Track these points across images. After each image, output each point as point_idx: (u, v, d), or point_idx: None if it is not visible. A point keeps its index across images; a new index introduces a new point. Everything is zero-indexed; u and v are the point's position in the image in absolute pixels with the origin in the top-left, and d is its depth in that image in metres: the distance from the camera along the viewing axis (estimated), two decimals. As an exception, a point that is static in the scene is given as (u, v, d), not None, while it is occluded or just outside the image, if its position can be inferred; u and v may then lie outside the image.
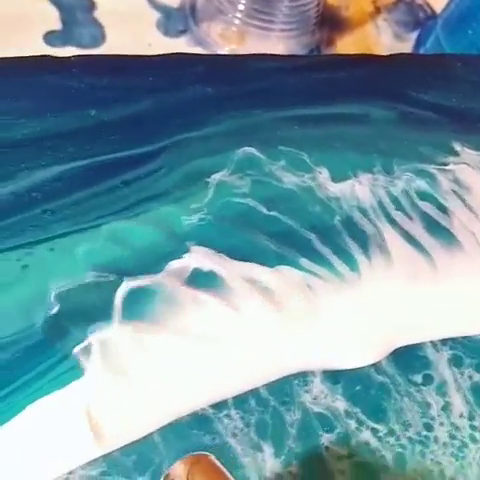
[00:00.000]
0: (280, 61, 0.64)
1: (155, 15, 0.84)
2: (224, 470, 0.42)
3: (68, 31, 0.81)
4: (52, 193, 0.55)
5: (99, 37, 0.82)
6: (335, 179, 0.60)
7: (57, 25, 0.81)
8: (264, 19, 0.83)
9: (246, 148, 0.59)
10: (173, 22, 0.84)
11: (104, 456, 0.48)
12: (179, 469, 0.42)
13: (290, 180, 0.59)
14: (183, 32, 0.83)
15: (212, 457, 0.43)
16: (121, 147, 0.57)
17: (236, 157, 0.59)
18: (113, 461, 0.48)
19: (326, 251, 0.56)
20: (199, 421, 0.50)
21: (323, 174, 0.60)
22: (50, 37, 0.80)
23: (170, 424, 0.50)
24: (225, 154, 0.59)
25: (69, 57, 0.59)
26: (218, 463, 0.42)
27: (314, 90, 0.63)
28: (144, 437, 0.49)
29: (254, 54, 0.65)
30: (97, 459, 0.48)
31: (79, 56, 0.60)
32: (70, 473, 0.47)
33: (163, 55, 0.61)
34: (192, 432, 0.49)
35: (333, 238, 0.57)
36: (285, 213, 0.57)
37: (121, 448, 0.48)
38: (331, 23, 0.87)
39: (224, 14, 0.83)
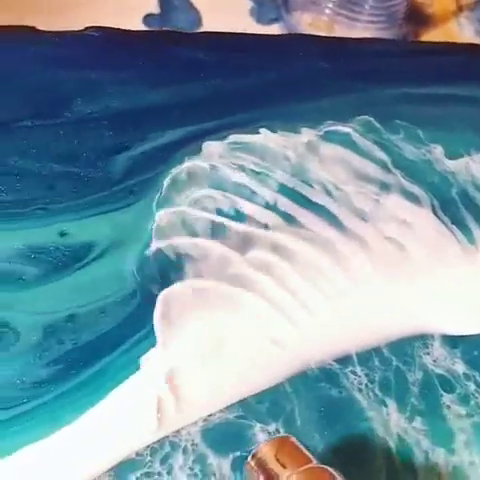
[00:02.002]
0: (388, 45, 0.67)
1: (249, 3, 0.86)
2: (306, 450, 0.44)
3: (165, 15, 0.83)
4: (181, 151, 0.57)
5: (195, 22, 0.84)
6: (449, 156, 0.62)
7: (156, 9, 0.83)
8: (354, 10, 0.85)
9: (365, 116, 0.62)
10: (266, 10, 0.86)
11: (239, 402, 0.49)
12: (266, 449, 0.44)
13: (410, 150, 0.61)
14: (275, 20, 0.86)
15: (294, 439, 0.45)
16: (245, 111, 0.59)
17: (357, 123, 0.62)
18: (248, 407, 0.50)
19: (445, 220, 0.58)
20: (327, 375, 0.52)
21: (437, 150, 0.62)
22: (149, 19, 0.82)
23: (300, 375, 0.51)
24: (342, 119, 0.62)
25: (195, 32, 0.62)
26: (300, 444, 0.44)
27: (425, 71, 0.66)
28: (276, 386, 0.50)
29: (365, 38, 0.68)
30: (233, 404, 0.49)
31: (205, 32, 0.62)
32: (210, 415, 0.48)
33: (283, 34, 0.64)
34: (320, 385, 0.51)
35: (451, 209, 0.59)
36: (407, 177, 0.59)
37: (255, 395, 0.50)
38: (416, 18, 0.90)
39: (316, 4, 0.85)
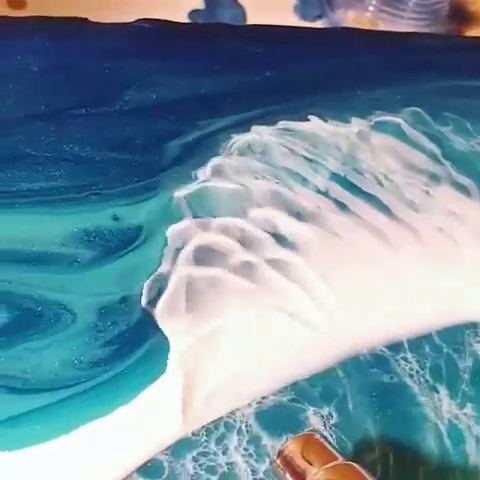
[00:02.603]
0: (437, 39, 0.67)
1: (293, 0, 0.87)
2: (331, 447, 0.44)
3: (211, 11, 0.84)
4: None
5: (240, 19, 0.85)
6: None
7: (201, 5, 0.84)
8: (397, 7, 0.86)
9: (414, 108, 0.62)
10: (309, 7, 0.87)
11: (292, 385, 0.50)
12: (293, 446, 0.44)
13: (459, 142, 0.61)
14: (319, 17, 0.86)
15: (319, 435, 0.45)
16: (293, 99, 0.60)
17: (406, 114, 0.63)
18: (301, 390, 0.50)
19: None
20: (378, 360, 0.52)
21: (486, 142, 0.63)
22: (194, 15, 0.83)
23: (352, 361, 0.51)
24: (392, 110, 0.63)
25: (245, 25, 0.63)
26: (326, 441, 0.44)
27: (474, 65, 0.66)
28: (328, 371, 0.50)
29: (414, 32, 0.69)
30: (286, 387, 0.49)
31: (255, 25, 0.63)
32: (263, 398, 0.49)
33: (333, 28, 0.65)
34: (372, 370, 0.52)
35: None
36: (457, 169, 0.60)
37: (308, 379, 0.50)
38: (459, 16, 0.90)
39: (360, 1, 0.86)
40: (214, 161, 0.59)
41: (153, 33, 0.62)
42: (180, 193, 0.56)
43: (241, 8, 0.85)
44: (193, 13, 0.83)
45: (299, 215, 0.56)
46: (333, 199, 0.58)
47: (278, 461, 0.44)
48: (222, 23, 0.67)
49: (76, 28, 0.61)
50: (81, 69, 0.59)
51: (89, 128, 0.57)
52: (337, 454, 0.43)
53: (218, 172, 0.57)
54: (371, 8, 0.86)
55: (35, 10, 0.67)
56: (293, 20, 0.86)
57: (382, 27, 0.86)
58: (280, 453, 0.44)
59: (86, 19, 0.62)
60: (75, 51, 0.60)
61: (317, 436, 0.45)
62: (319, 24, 0.86)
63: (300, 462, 0.43)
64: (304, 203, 0.56)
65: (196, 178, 0.58)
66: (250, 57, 0.61)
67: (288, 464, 0.43)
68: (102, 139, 0.57)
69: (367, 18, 0.86)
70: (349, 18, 0.88)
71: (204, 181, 0.57)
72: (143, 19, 0.64)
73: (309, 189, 0.58)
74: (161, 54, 0.61)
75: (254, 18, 0.83)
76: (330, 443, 0.44)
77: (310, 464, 0.43)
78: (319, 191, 0.58)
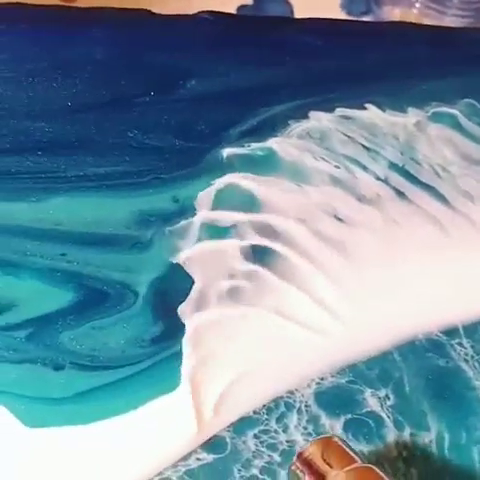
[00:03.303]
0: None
1: (340, -5, 0.88)
2: (350, 449, 0.44)
3: (258, 6, 0.85)
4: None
5: (287, 14, 0.86)
6: None
7: (249, 0, 0.86)
8: (443, 3, 0.87)
9: (469, 100, 0.63)
10: (356, 3, 0.88)
11: (350, 366, 0.51)
12: (313, 449, 0.44)
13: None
14: (365, 13, 0.87)
15: (338, 438, 0.45)
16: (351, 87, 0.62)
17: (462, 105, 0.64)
18: (359, 372, 0.51)
19: None
20: (434, 345, 0.53)
21: None
22: (243, 10, 0.84)
23: (408, 345, 0.52)
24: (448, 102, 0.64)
25: (303, 18, 0.64)
26: (345, 443, 0.44)
27: None
28: (385, 354, 0.52)
29: (472, 27, 0.70)
30: (344, 369, 0.51)
31: (312, 18, 0.65)
32: (322, 379, 0.50)
33: (386, 21, 0.66)
34: (428, 354, 0.53)
35: None
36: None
37: (365, 361, 0.51)
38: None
39: (407, -3, 0.87)
40: (272, 141, 0.59)
41: (215, 25, 0.63)
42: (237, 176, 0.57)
43: (289, 4, 0.86)
44: (241, 8, 0.84)
45: (360, 200, 0.56)
46: (392, 187, 0.58)
47: (298, 463, 0.44)
48: (282, 16, 0.68)
49: (140, 19, 0.62)
50: (144, 58, 0.61)
51: (152, 115, 0.58)
52: (357, 457, 0.43)
53: (276, 151, 0.58)
54: (417, 4, 0.87)
55: (87, 2, 0.69)
56: (340, 16, 0.87)
57: (427, 23, 0.87)
58: (300, 455, 0.44)
59: (149, 11, 0.64)
60: (138, 41, 0.61)
61: (336, 439, 0.45)
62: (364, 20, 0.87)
63: (320, 464, 0.43)
64: (364, 189, 0.57)
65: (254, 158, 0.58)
66: (308, 48, 0.63)
67: (308, 466, 0.44)
68: (164, 126, 0.58)
69: (413, 14, 0.87)
70: (395, 14, 0.89)
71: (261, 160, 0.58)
72: (205, 11, 0.66)
73: (369, 175, 0.58)
74: (222, 45, 0.62)
75: (301, 14, 0.85)
76: (349, 446, 0.44)
77: (330, 467, 0.43)
78: (378, 178, 0.58)
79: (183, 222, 0.55)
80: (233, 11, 0.83)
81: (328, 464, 0.43)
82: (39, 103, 0.57)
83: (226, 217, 0.55)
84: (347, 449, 0.44)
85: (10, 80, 0.57)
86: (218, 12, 0.66)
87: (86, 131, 0.56)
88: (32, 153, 0.55)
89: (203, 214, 0.55)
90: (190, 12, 0.67)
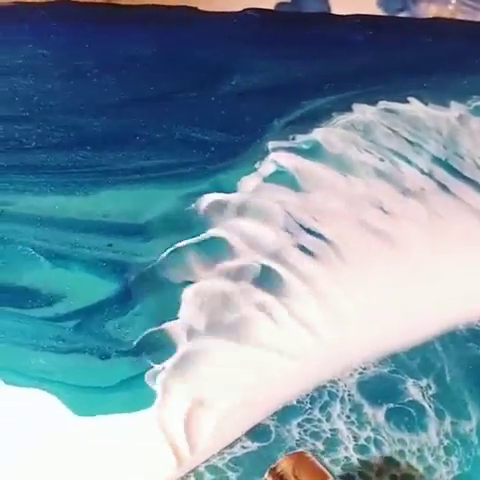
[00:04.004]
0: None
1: (377, -7, 0.89)
2: (322, 466, 0.44)
3: (296, 3, 0.86)
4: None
5: (324, 10, 0.87)
6: None
7: (287, -4, 0.86)
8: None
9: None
10: (392, 1, 0.88)
11: (392, 356, 0.52)
12: (285, 464, 0.44)
13: None
14: (401, 10, 0.88)
15: (310, 454, 0.44)
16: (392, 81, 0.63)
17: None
18: (400, 362, 0.52)
19: None
20: (475, 335, 0.54)
21: None
22: (281, 6, 0.85)
23: (449, 335, 0.53)
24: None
25: (344, 15, 0.65)
26: (316, 459, 0.44)
27: None
28: (425, 344, 0.53)
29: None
30: (386, 359, 0.52)
31: (353, 15, 0.66)
32: (364, 368, 0.51)
33: (425, 17, 0.67)
34: (468, 344, 0.53)
35: None
36: None
37: (407, 351, 0.52)
38: None
39: (443, -6, 0.87)
40: (317, 132, 0.60)
41: (259, 21, 0.64)
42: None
43: (326, 2, 0.87)
44: (280, 5, 0.85)
45: (404, 193, 0.57)
46: (436, 181, 0.59)
47: (269, 478, 0.43)
48: (325, 12, 0.69)
49: (187, 16, 0.63)
50: (190, 54, 0.62)
51: (197, 110, 0.59)
52: (328, 473, 0.43)
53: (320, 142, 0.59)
54: (453, 1, 0.88)
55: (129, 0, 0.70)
56: (376, 13, 0.88)
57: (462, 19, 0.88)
58: (272, 470, 0.44)
59: (196, 8, 0.65)
60: (185, 38, 0.62)
61: (309, 455, 0.45)
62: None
63: None
64: (409, 182, 0.58)
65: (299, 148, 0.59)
66: (349, 43, 0.64)
67: None
68: (209, 120, 0.59)
69: (449, 11, 0.88)
70: (431, 11, 0.89)
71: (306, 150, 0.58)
72: (250, 8, 0.67)
73: (414, 169, 0.59)
74: (267, 41, 0.64)
75: (338, 11, 0.85)
76: (322, 462, 0.44)
77: None
78: (423, 172, 0.59)
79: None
80: (272, 8, 0.84)
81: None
82: (87, 99, 0.58)
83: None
84: (319, 465, 0.44)
85: (59, 77, 0.58)
86: (263, 9, 0.67)
87: (133, 126, 0.57)
88: (81, 148, 0.56)
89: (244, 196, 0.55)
90: (231, 10, 0.68)
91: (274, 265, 0.54)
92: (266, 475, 0.43)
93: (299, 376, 0.50)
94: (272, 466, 0.43)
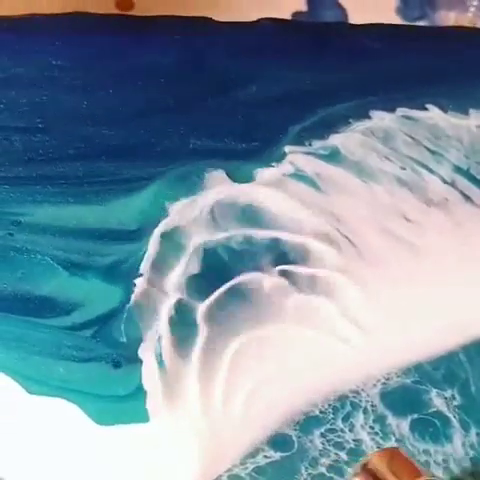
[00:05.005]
0: None
1: (395, 2, 0.88)
2: (414, 461, 0.44)
3: (313, 12, 0.86)
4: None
5: (341, 19, 0.86)
6: None
7: (303, 6, 0.86)
8: (498, 7, 0.87)
9: None
10: (411, 8, 0.88)
11: (415, 367, 0.51)
12: (378, 460, 0.44)
13: None
14: (420, 18, 0.87)
15: (403, 450, 0.45)
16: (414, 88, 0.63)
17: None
18: (424, 373, 0.51)
19: None
20: (501, 345, 0.53)
21: None
22: (297, 16, 0.85)
23: (474, 345, 0.52)
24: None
25: (360, 24, 0.65)
26: (408, 455, 0.44)
27: None
28: (450, 354, 0.52)
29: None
30: (410, 369, 0.51)
31: (370, 24, 0.65)
32: (387, 379, 0.50)
33: (443, 26, 0.66)
34: (494, 355, 0.52)
35: None
36: None
37: (431, 362, 0.51)
38: None
39: (461, 1, 0.87)
40: (334, 137, 0.59)
41: (275, 31, 0.64)
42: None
43: (343, 10, 0.87)
44: (296, 14, 0.85)
45: (427, 203, 0.57)
46: (459, 191, 0.58)
47: (362, 475, 0.43)
48: (341, 21, 0.69)
49: (202, 27, 0.63)
50: (208, 65, 0.61)
51: (213, 119, 0.59)
52: (422, 469, 0.43)
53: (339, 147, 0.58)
54: (472, 8, 0.87)
55: (142, 11, 0.70)
56: (395, 21, 0.87)
57: (479, 27, 0.87)
58: (363, 466, 0.44)
59: (211, 19, 0.65)
60: (202, 48, 0.62)
61: (401, 450, 0.45)
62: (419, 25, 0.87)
63: (389, 476, 0.43)
64: (432, 192, 0.57)
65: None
66: (366, 51, 0.63)
67: (374, 478, 0.43)
68: (225, 129, 0.59)
69: (468, 18, 0.87)
70: (450, 19, 0.88)
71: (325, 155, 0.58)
72: (266, 18, 0.66)
73: (436, 178, 0.58)
74: (284, 51, 0.63)
75: (356, 20, 0.85)
76: (413, 458, 0.44)
77: (399, 479, 0.43)
78: (445, 182, 0.58)
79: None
80: (289, 16, 0.84)
81: (396, 476, 0.43)
82: (104, 110, 0.58)
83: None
84: (414, 461, 0.44)
85: (76, 88, 0.58)
86: (279, 19, 0.67)
87: (150, 136, 0.57)
88: (98, 158, 0.55)
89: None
90: (246, 19, 0.68)
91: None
92: (358, 470, 0.43)
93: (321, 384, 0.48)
94: (363, 462, 0.43)
